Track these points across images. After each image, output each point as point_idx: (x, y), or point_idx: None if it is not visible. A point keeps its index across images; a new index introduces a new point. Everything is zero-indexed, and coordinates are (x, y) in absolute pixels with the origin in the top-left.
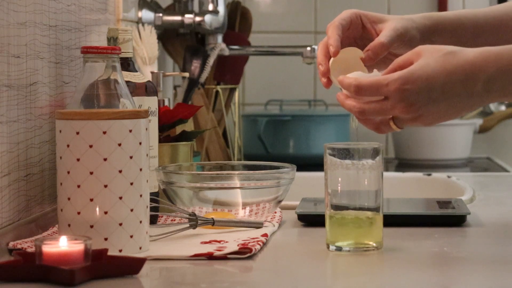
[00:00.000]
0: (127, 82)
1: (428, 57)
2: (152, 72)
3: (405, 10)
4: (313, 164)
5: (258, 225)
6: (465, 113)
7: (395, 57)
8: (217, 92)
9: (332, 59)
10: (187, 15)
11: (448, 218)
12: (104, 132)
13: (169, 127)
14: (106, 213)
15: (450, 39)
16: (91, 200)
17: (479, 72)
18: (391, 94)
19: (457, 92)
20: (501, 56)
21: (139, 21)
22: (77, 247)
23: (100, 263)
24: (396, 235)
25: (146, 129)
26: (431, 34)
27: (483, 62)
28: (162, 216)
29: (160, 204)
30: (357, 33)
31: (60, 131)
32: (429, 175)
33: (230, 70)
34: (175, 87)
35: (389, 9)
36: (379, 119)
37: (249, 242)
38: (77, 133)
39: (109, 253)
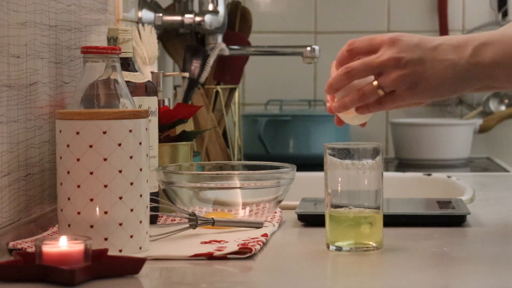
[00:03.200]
0: (127, 82)
1: None
2: (152, 72)
3: (405, 10)
4: (313, 164)
5: (258, 225)
6: (448, 85)
7: None
8: (217, 92)
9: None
10: (187, 15)
11: (448, 218)
12: (104, 132)
13: (169, 127)
14: (106, 213)
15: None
16: (91, 200)
17: (471, 39)
18: (384, 42)
19: (446, 54)
20: (494, 32)
21: (139, 21)
22: (77, 247)
23: (100, 263)
24: (396, 235)
25: (146, 129)
26: None
27: (476, 35)
28: (162, 216)
29: (160, 204)
30: None
31: (60, 131)
32: (429, 175)
33: (230, 70)
34: (175, 87)
35: (389, 8)
36: (363, 84)
37: (249, 242)
38: (77, 133)
39: (109, 253)
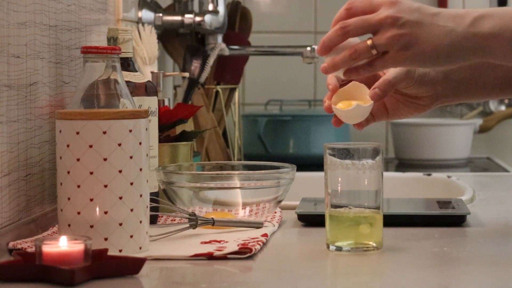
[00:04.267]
0: (127, 82)
1: None
2: (152, 72)
3: None
4: (313, 164)
5: (258, 225)
6: (443, 52)
7: (406, 98)
8: (217, 92)
9: (338, 91)
10: (187, 15)
11: (448, 218)
12: (104, 132)
13: (169, 127)
14: (106, 213)
15: (469, 72)
16: (91, 200)
17: (471, 11)
18: (384, 3)
19: (445, 21)
20: (495, 7)
21: (139, 21)
22: (77, 247)
23: (100, 263)
24: (396, 235)
25: (146, 129)
26: (449, 70)
27: (477, 9)
28: (162, 216)
29: (160, 204)
30: None
31: (60, 131)
32: (429, 175)
33: (230, 70)
34: (175, 87)
35: None
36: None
37: (249, 242)
38: (77, 133)
39: (109, 253)
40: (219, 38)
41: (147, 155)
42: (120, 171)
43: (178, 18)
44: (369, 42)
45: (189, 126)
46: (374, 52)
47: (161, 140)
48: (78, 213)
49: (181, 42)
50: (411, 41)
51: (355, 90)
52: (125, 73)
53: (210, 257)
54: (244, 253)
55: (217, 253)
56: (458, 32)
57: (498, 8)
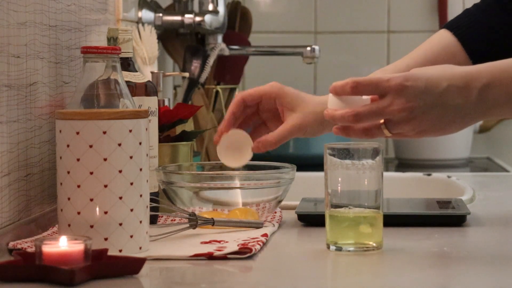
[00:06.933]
0: (127, 82)
1: (427, 67)
2: (152, 72)
3: (405, 10)
4: (313, 164)
5: (258, 225)
6: (457, 126)
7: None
8: (217, 92)
9: (225, 134)
10: (187, 15)
11: (448, 218)
12: (104, 132)
13: (169, 127)
14: (106, 213)
15: None
16: (91, 200)
17: (474, 80)
18: (391, 90)
19: (454, 98)
20: (493, 66)
21: (139, 21)
22: (77, 247)
23: (100, 263)
24: (396, 235)
25: (146, 129)
26: None
27: (477, 72)
28: (162, 216)
29: (160, 204)
30: (268, 107)
31: (60, 131)
32: (429, 175)
33: (230, 70)
34: (175, 87)
35: (389, 8)
36: (368, 124)
37: (249, 242)
38: (77, 133)
39: (109, 253)
40: (219, 38)
41: (147, 155)
42: (120, 171)
43: (178, 18)
44: (384, 130)
45: (189, 126)
46: (387, 133)
47: (161, 140)
48: (78, 213)
49: (181, 42)
50: (425, 128)
51: (242, 138)
52: (125, 73)
53: (210, 257)
54: (244, 253)
55: (217, 253)
56: (467, 108)
57: (502, 70)
